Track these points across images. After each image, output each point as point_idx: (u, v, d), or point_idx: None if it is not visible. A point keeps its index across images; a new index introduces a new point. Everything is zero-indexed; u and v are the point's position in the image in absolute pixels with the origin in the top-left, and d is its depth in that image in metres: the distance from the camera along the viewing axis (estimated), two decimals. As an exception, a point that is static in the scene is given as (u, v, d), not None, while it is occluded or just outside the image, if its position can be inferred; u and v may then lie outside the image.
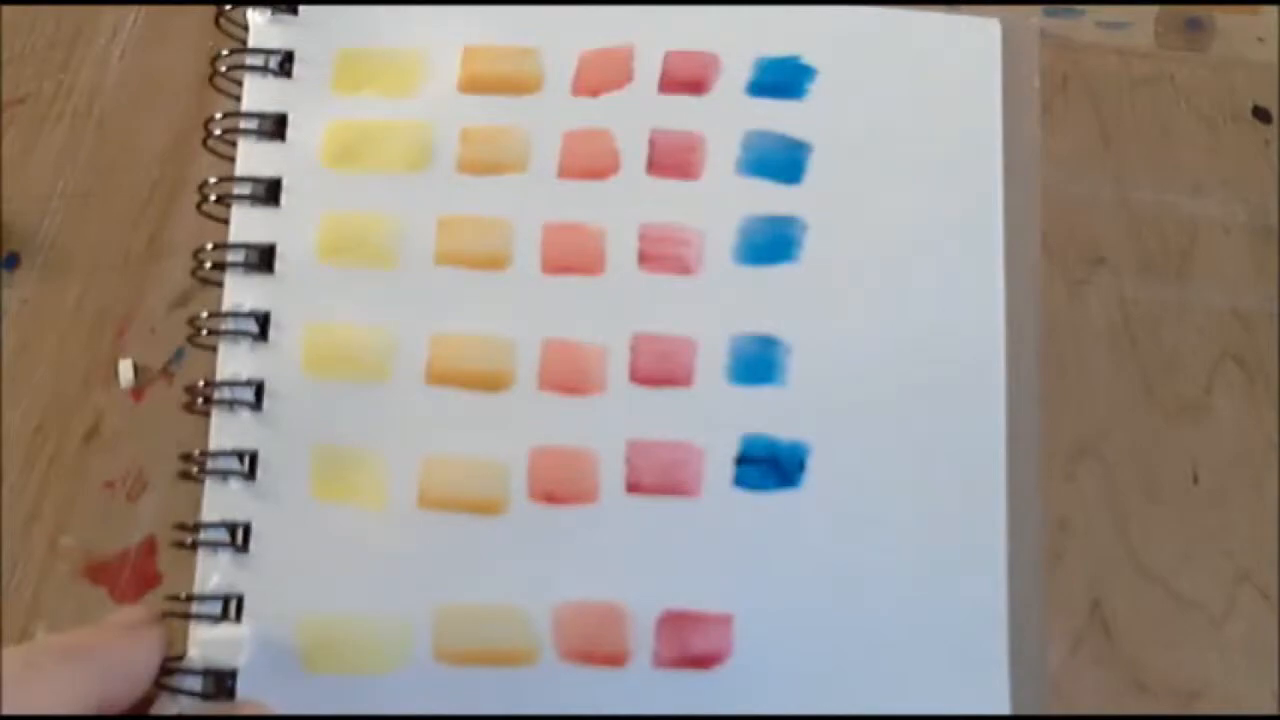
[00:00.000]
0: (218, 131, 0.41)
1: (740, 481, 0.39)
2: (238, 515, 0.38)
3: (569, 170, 0.41)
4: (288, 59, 0.42)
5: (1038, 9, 0.45)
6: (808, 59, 0.42)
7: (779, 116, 0.41)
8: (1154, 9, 0.45)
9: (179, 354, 0.41)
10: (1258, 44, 0.45)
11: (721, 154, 0.41)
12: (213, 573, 0.38)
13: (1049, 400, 0.41)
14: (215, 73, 0.42)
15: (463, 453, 0.39)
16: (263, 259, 0.40)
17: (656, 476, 0.39)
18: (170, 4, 0.44)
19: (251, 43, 0.42)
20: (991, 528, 0.39)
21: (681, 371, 0.39)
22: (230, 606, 0.37)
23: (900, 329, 0.40)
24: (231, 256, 0.40)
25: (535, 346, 0.39)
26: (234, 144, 0.41)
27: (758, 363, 0.39)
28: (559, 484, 0.39)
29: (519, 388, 0.39)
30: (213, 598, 0.38)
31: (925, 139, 0.41)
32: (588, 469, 0.39)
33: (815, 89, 0.41)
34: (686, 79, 0.41)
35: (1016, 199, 0.41)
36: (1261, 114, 0.44)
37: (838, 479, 0.39)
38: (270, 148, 0.41)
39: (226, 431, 0.39)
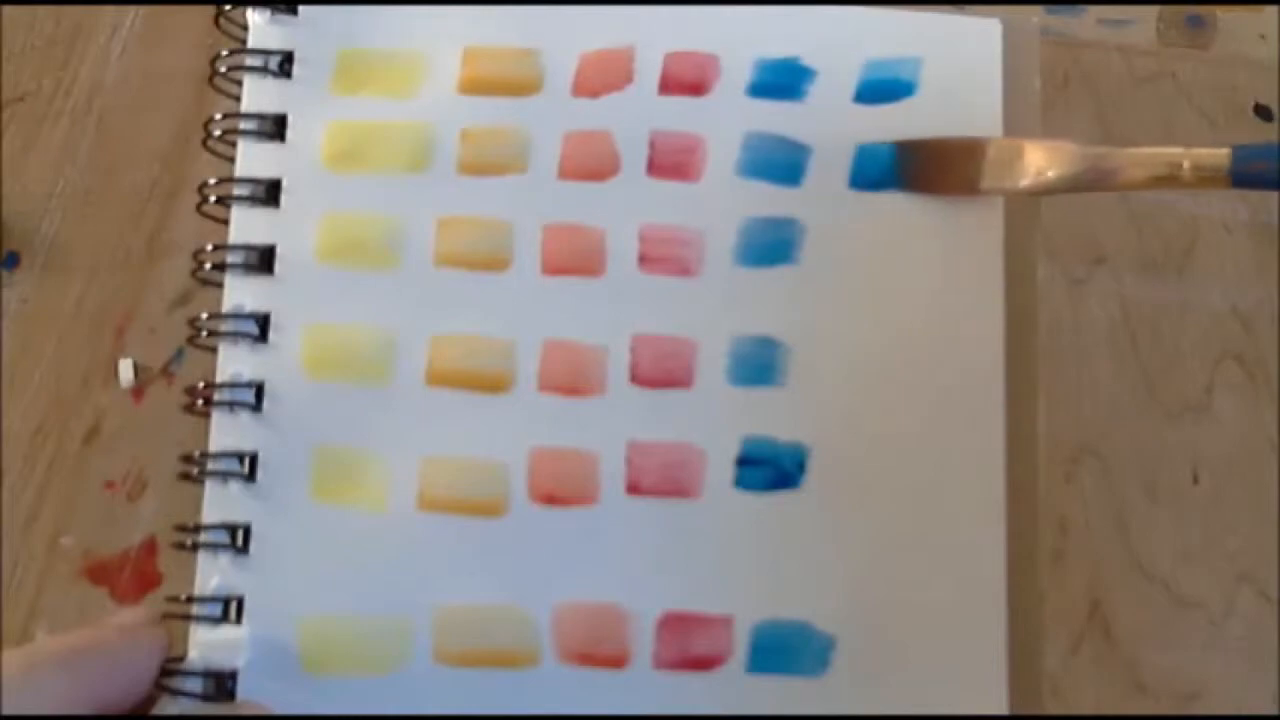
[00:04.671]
0: (217, 132, 0.41)
1: (740, 482, 0.39)
2: (238, 517, 0.38)
3: (569, 171, 0.41)
4: (287, 59, 0.42)
5: (1039, 7, 0.44)
6: (808, 60, 0.42)
7: (779, 118, 0.41)
8: (1155, 6, 0.45)
9: (179, 354, 0.41)
10: (1259, 41, 0.45)
11: (722, 155, 0.41)
12: (213, 574, 0.38)
13: (1049, 400, 0.41)
14: (215, 73, 0.41)
15: (463, 454, 0.39)
16: (262, 260, 0.40)
17: (657, 477, 0.39)
18: (170, 3, 0.44)
19: (251, 43, 0.42)
20: (991, 528, 0.39)
21: (682, 373, 0.39)
22: (230, 608, 0.38)
23: (900, 329, 0.40)
24: (231, 257, 0.40)
25: (535, 347, 0.39)
26: (234, 144, 0.41)
27: (758, 364, 0.39)
28: (559, 485, 0.39)
29: (519, 389, 0.39)
30: (213, 599, 0.38)
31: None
32: (588, 470, 0.39)
33: (815, 90, 0.41)
34: (687, 80, 0.41)
35: (1017, 198, 0.41)
36: (1263, 112, 0.44)
37: (838, 479, 0.39)
38: (270, 148, 0.41)
39: (226, 433, 0.39)
